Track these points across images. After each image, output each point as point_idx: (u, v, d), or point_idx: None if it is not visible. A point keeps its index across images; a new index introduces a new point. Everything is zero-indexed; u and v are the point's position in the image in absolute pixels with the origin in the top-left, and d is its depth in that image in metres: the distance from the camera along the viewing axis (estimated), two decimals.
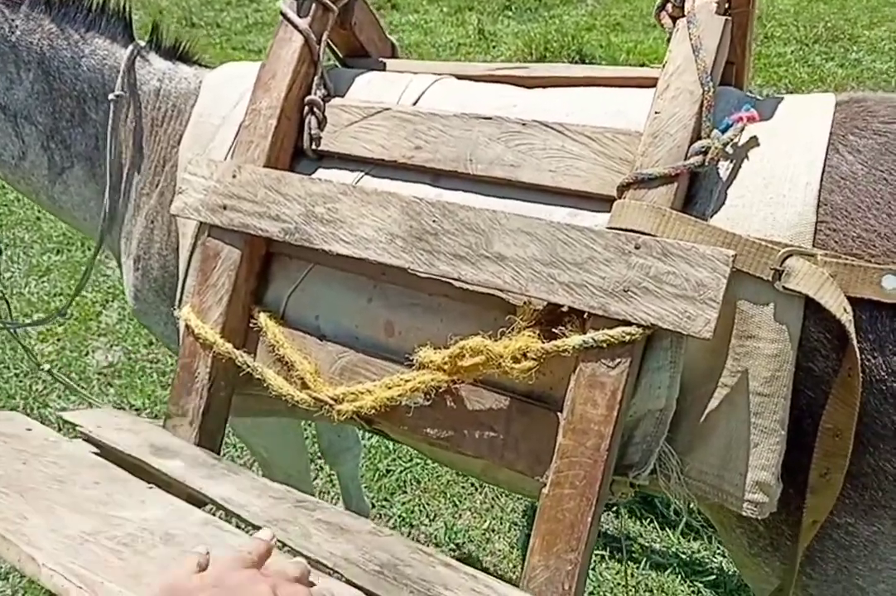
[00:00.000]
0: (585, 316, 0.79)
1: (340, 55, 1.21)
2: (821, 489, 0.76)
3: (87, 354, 2.64)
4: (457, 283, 0.90)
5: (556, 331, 0.80)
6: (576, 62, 4.26)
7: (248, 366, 1.01)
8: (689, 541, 1.90)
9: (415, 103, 1.05)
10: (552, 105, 0.96)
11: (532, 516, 1.95)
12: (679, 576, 1.81)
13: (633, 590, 1.79)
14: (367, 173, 1.03)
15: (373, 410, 0.92)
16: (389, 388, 0.92)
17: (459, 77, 1.10)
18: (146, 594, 0.51)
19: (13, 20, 1.19)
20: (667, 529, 1.93)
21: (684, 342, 0.77)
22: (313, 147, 1.05)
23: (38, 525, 0.59)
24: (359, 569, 0.72)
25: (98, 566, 0.56)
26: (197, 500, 0.83)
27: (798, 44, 4.18)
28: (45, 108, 1.20)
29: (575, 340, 0.77)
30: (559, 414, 0.83)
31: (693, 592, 1.78)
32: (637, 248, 0.74)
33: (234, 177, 1.02)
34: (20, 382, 2.53)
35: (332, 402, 0.96)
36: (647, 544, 1.90)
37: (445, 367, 0.86)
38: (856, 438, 0.74)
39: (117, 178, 1.22)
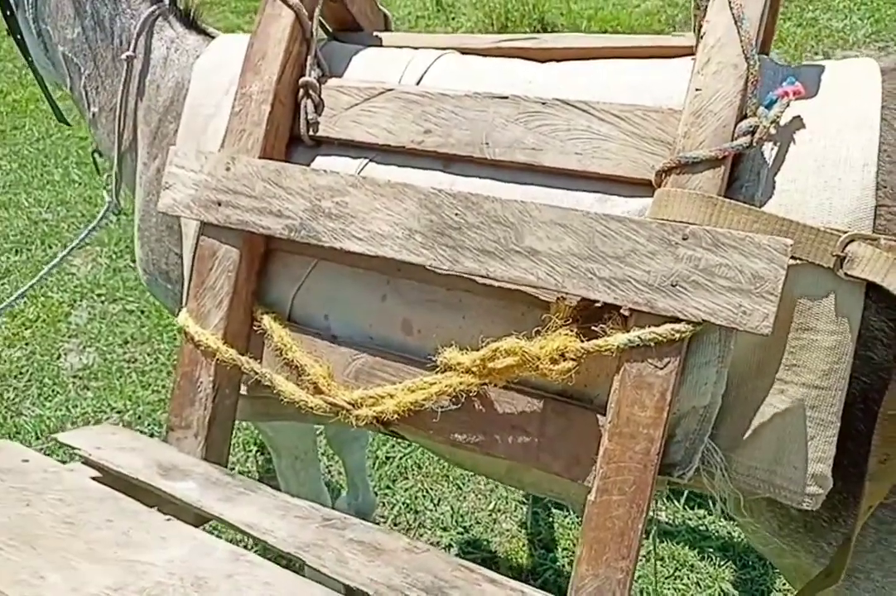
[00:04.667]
0: (627, 312, 0.74)
1: (330, 29, 1.12)
2: (880, 475, 0.74)
3: (58, 357, 2.51)
4: (480, 279, 0.84)
5: (595, 328, 0.75)
6: (538, 31, 4.20)
7: (256, 372, 0.94)
8: (693, 508, 1.91)
9: (419, 82, 0.97)
10: (571, 81, 0.89)
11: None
12: (688, 543, 1.82)
13: (645, 559, 1.79)
14: (371, 160, 0.95)
15: (395, 415, 0.86)
16: (413, 391, 0.86)
17: (463, 51, 1.03)
18: None
19: None
20: (672, 498, 1.93)
21: (734, 337, 0.73)
22: (311, 133, 0.97)
23: (57, 585, 0.53)
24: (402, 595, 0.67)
25: None
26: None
27: None
28: (88, 53, 1.26)
29: (619, 338, 0.72)
30: (597, 413, 0.79)
31: (702, 557, 1.79)
32: (685, 238, 0.69)
33: (227, 169, 0.94)
34: None
35: (349, 406, 0.90)
36: (653, 514, 1.90)
37: (475, 369, 0.80)
38: None
39: (130, 138, 1.24)
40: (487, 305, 0.86)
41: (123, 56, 1.19)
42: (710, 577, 1.74)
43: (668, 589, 1.75)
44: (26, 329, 2.64)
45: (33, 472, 0.74)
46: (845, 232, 0.67)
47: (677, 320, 0.70)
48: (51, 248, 3.07)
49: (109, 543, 0.63)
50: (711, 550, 1.80)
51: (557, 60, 0.97)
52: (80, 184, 3.49)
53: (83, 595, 0.48)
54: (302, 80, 0.97)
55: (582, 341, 0.75)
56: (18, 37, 1.34)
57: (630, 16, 4.16)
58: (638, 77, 0.87)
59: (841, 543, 0.82)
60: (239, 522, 0.74)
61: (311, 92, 0.97)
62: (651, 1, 4.32)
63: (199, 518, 0.83)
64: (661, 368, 0.71)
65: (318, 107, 0.97)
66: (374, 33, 1.11)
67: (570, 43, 0.99)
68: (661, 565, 1.80)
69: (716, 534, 1.83)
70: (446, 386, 0.83)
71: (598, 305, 0.77)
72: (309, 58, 0.98)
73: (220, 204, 0.94)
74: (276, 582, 0.62)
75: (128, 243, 3.04)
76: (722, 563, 1.77)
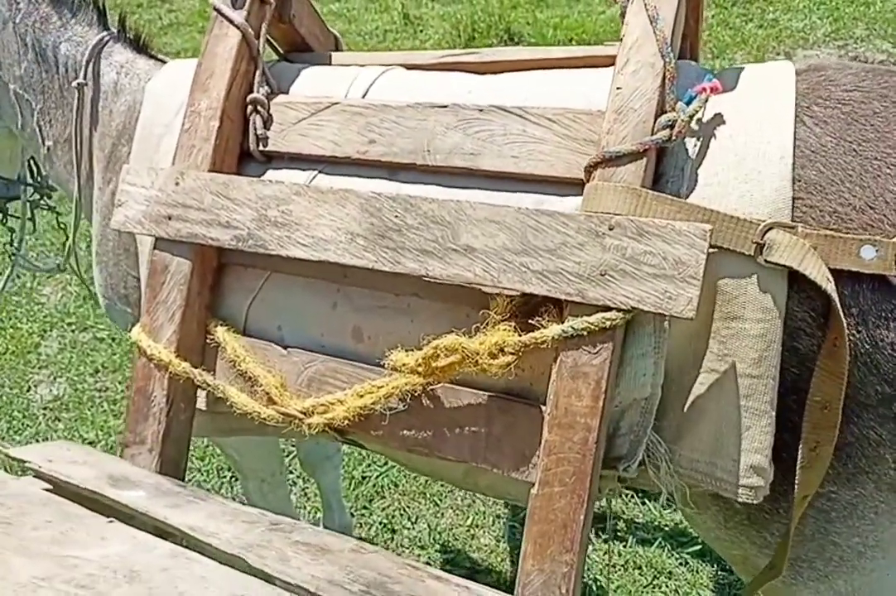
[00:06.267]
0: (563, 304, 0.76)
1: (281, 51, 1.16)
2: (811, 463, 0.74)
3: (28, 389, 2.47)
4: (426, 281, 0.86)
5: (533, 322, 0.76)
6: (506, 41, 4.23)
7: (209, 384, 0.94)
8: (671, 512, 1.89)
9: (364, 96, 1.00)
10: (508, 89, 0.92)
11: (515, 507, 1.91)
12: (665, 549, 1.80)
13: (623, 568, 1.76)
14: (320, 172, 0.97)
15: (345, 421, 0.86)
16: (361, 396, 0.86)
17: (408, 67, 1.06)
18: None
19: (18, 2, 1.25)
20: (648, 503, 1.91)
21: (668, 327, 0.74)
22: (260, 148, 0.99)
23: None
24: (344, 590, 0.67)
25: None
26: (165, 532, 0.77)
27: (718, 8, 4.21)
28: (37, 87, 1.26)
29: (553, 329, 0.73)
30: (542, 409, 0.80)
31: (680, 563, 1.77)
32: (611, 229, 0.71)
33: (176, 184, 0.96)
34: None
35: (301, 415, 0.90)
36: (630, 520, 1.89)
37: (419, 369, 0.81)
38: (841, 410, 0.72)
39: (88, 166, 1.23)
40: (435, 309, 0.87)
41: (74, 84, 1.19)
42: (689, 583, 1.72)
43: None
44: None
45: None
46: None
47: (608, 309, 0.71)
48: (19, 277, 3.06)
49: (45, 541, 0.62)
50: (689, 555, 1.78)
51: (497, 73, 1.01)
52: (48, 210, 3.50)
53: (10, 583, 0.48)
54: (250, 96, 1.00)
55: (520, 335, 0.76)
56: None
57: (595, 23, 4.19)
58: (571, 83, 0.90)
59: (783, 534, 0.82)
60: (183, 525, 0.74)
61: (259, 108, 0.99)
62: (615, 7, 4.37)
63: (156, 531, 0.82)
64: (595, 357, 0.72)
65: (267, 122, 1.00)
66: (324, 53, 1.14)
67: (509, 56, 1.02)
68: (640, 574, 1.78)
69: (693, 539, 1.81)
70: (393, 388, 0.83)
71: (536, 300, 0.79)
72: (257, 75, 1.01)
73: (170, 218, 0.95)
74: (212, 576, 0.62)
75: None
76: (700, 568, 1.75)
